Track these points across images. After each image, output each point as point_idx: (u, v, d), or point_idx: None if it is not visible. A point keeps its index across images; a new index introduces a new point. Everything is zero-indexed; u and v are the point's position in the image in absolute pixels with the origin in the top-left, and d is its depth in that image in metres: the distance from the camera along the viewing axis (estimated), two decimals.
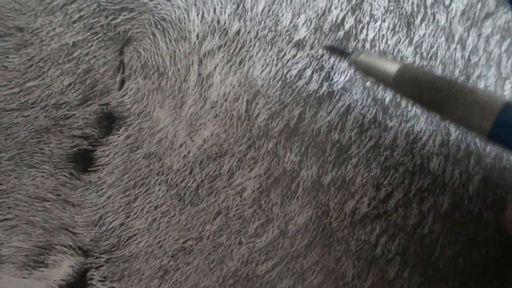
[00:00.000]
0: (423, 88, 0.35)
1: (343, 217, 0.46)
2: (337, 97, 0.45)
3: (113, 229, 0.41)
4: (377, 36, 0.45)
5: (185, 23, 0.41)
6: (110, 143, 0.40)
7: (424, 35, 0.47)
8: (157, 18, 0.40)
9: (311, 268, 0.46)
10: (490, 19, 0.49)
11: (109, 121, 0.40)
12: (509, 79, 0.50)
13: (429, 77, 0.36)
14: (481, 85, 0.49)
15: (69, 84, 0.39)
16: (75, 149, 0.40)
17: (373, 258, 0.47)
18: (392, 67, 0.38)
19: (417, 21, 0.46)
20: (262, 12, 0.42)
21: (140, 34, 0.40)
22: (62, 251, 0.40)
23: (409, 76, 0.36)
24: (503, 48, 0.49)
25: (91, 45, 0.39)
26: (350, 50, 0.44)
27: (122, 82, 0.40)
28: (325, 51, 0.44)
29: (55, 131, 0.39)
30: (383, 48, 0.46)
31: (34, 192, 0.39)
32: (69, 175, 0.40)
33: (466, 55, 0.48)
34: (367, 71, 0.40)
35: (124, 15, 0.40)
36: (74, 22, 0.39)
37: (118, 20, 0.39)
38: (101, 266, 0.41)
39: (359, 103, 0.45)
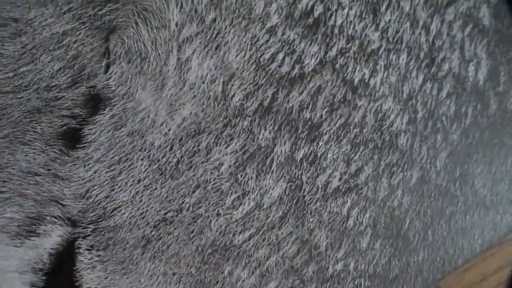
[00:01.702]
0: None
1: (315, 191, 0.48)
2: (308, 79, 0.48)
3: (99, 201, 0.43)
4: (345, 22, 0.48)
5: (165, 13, 0.44)
6: (97, 122, 0.43)
7: (389, 21, 0.50)
8: (139, 8, 0.43)
9: (286, 239, 0.48)
10: (453, 5, 0.52)
11: (95, 102, 0.43)
12: (472, 61, 0.53)
13: None
14: (445, 67, 0.52)
15: (59, 69, 0.42)
16: (64, 127, 0.43)
17: (345, 229, 0.49)
18: None
19: (383, 8, 0.49)
20: (236, 1, 0.45)
21: (124, 23, 0.43)
22: (52, 222, 0.43)
23: None
24: (466, 32, 0.52)
25: (79, 34, 0.42)
26: None
27: (108, 66, 0.43)
28: None
29: (46, 111, 0.42)
30: (351, 34, 0.49)
31: (27, 167, 0.42)
32: (58, 152, 0.43)
33: (430, 39, 0.51)
34: None
35: (110, 6, 0.43)
36: (64, 13, 0.42)
37: (104, 11, 0.43)
38: (88, 235, 0.43)
39: (329, 84, 0.48)
